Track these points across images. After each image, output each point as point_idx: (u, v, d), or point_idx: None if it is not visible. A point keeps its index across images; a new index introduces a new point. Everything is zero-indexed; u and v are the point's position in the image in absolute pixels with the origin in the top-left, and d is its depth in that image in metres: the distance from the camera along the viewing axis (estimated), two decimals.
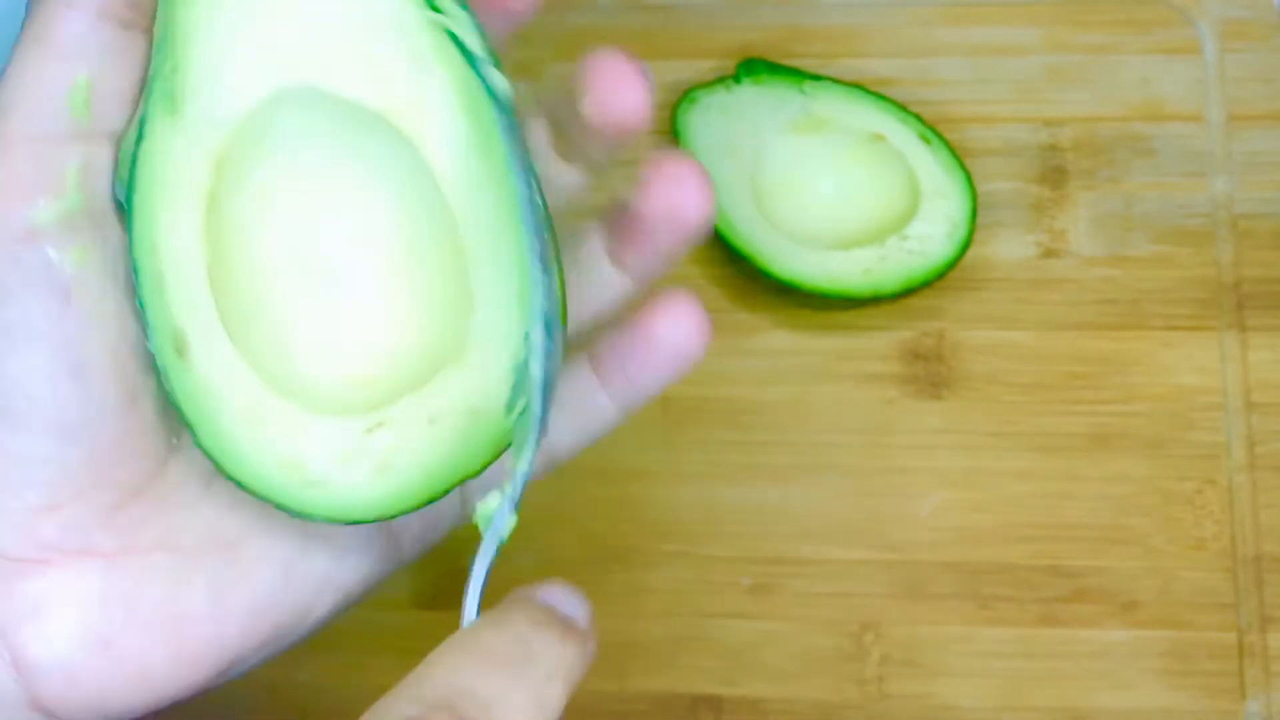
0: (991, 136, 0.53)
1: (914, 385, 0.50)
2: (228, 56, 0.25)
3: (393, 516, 0.26)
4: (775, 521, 0.49)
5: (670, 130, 0.52)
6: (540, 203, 0.27)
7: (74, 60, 0.24)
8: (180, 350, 0.25)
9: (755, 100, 0.50)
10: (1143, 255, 0.51)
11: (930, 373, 0.50)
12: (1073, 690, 0.47)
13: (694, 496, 0.50)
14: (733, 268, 0.51)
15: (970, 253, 0.49)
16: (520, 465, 0.26)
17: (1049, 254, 0.51)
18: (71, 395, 0.25)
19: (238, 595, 0.27)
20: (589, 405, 0.30)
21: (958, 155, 0.50)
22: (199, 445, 0.26)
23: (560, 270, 0.27)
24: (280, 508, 0.26)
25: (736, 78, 0.51)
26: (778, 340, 0.51)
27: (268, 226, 0.26)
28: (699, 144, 0.50)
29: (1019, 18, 0.54)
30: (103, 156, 0.25)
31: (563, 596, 0.27)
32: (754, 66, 0.51)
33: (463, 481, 0.27)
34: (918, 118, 0.50)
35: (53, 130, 0.24)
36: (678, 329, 0.28)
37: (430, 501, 0.26)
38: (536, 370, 0.25)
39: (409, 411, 0.26)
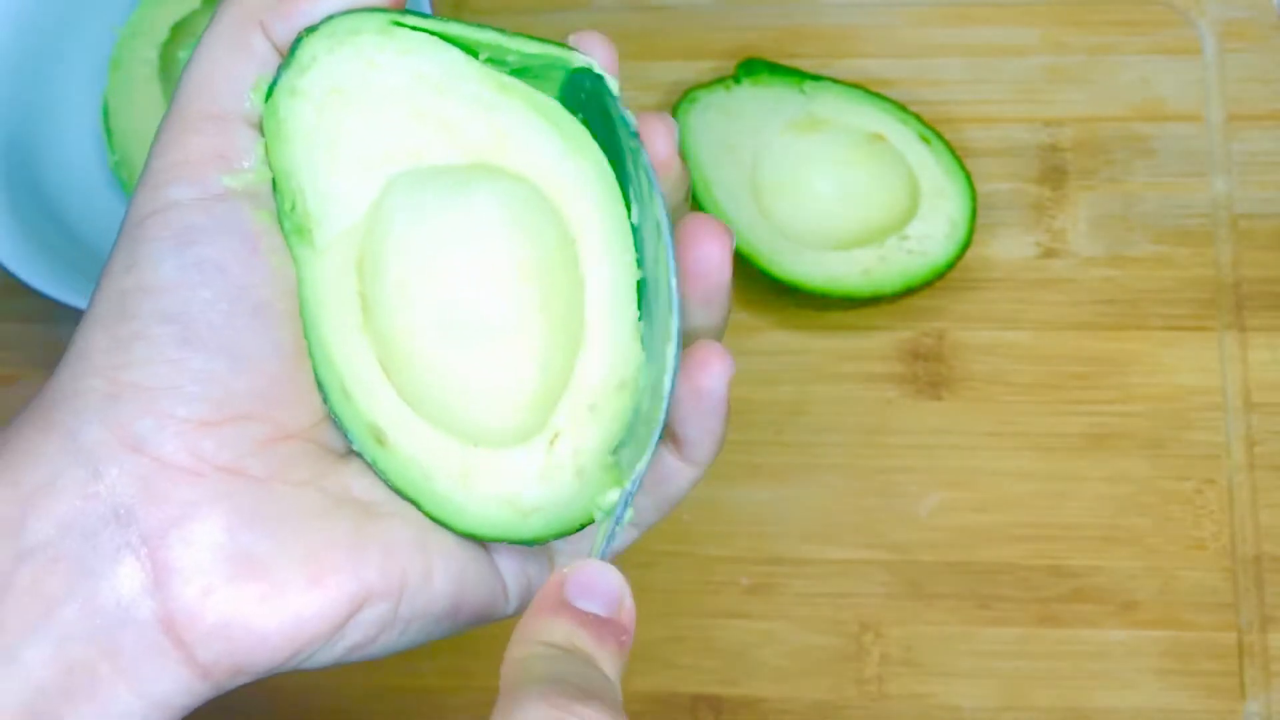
0: (991, 136, 0.53)
1: (914, 385, 0.50)
2: (332, 176, 0.29)
3: (611, 509, 0.29)
4: (775, 521, 0.49)
5: None
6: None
7: (257, 63, 0.29)
8: (380, 441, 0.29)
9: (755, 100, 0.50)
10: (1142, 255, 0.51)
11: (930, 373, 0.50)
12: (1072, 690, 0.47)
13: (694, 496, 0.50)
14: (733, 268, 0.51)
15: (970, 253, 0.49)
16: (640, 465, 0.28)
17: (1049, 254, 0.51)
18: (247, 329, 0.27)
19: (377, 539, 0.28)
20: (665, 470, 0.32)
21: (957, 155, 0.50)
22: (427, 515, 0.29)
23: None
24: (516, 542, 0.29)
25: (736, 78, 0.51)
26: (778, 340, 0.51)
27: (414, 304, 0.29)
28: (699, 144, 0.50)
29: (1019, 18, 0.54)
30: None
31: (595, 578, 0.28)
32: (754, 67, 0.51)
33: (650, 447, 0.28)
34: (918, 118, 0.50)
35: (244, 113, 0.29)
36: (702, 380, 0.30)
37: (634, 476, 0.28)
38: (668, 381, 0.28)
39: (570, 411, 0.29)
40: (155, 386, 0.27)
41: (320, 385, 0.29)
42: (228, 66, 0.29)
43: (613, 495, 0.28)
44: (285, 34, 0.29)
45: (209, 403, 0.27)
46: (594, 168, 0.29)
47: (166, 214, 0.28)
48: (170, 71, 0.51)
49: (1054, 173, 0.52)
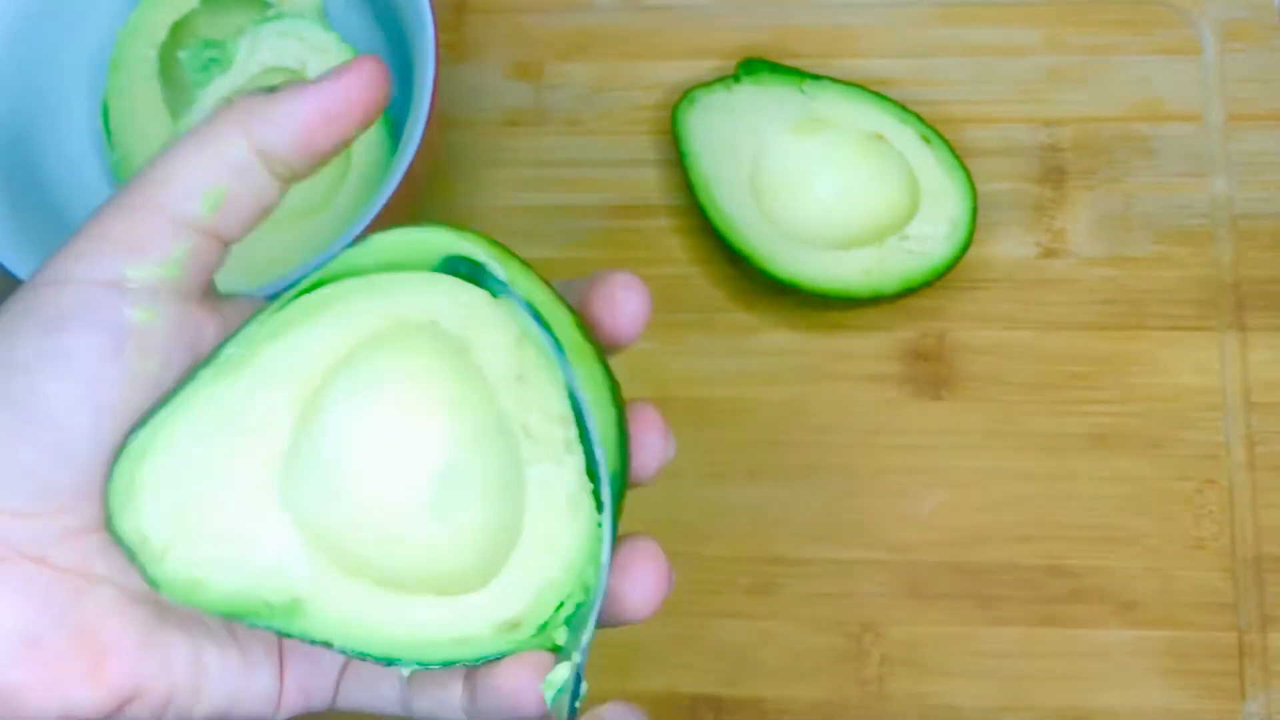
0: (991, 136, 0.53)
1: (914, 385, 0.50)
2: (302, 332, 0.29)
3: (564, 686, 0.29)
4: (775, 521, 0.49)
5: (671, 130, 0.52)
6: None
7: (223, 170, 0.28)
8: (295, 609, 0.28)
9: (755, 100, 0.50)
10: (1142, 255, 0.51)
11: (930, 373, 0.50)
12: (1072, 690, 0.47)
13: (693, 496, 0.50)
14: (733, 268, 0.51)
15: (970, 253, 0.49)
16: (585, 637, 0.29)
17: (1049, 254, 0.51)
18: (85, 428, 0.27)
19: (160, 646, 0.29)
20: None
21: (958, 155, 0.50)
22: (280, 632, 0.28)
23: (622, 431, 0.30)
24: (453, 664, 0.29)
25: (736, 77, 0.51)
26: (778, 340, 0.51)
27: (357, 464, 0.29)
28: (699, 144, 0.50)
29: (1019, 18, 0.54)
30: (208, 253, 0.29)
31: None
32: (754, 66, 0.51)
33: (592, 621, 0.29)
34: (918, 117, 0.50)
35: (180, 213, 0.28)
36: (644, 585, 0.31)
37: (581, 648, 0.29)
38: (605, 555, 0.29)
39: (513, 585, 0.29)
40: None
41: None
42: (193, 165, 0.28)
43: (562, 671, 0.29)
44: (266, 138, 0.29)
45: (25, 495, 0.27)
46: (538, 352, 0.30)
47: (54, 289, 0.28)
48: (170, 71, 0.51)
49: (1054, 173, 0.52)
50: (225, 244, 0.29)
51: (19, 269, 0.45)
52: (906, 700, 0.47)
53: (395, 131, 0.50)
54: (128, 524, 0.28)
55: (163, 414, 0.28)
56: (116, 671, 0.28)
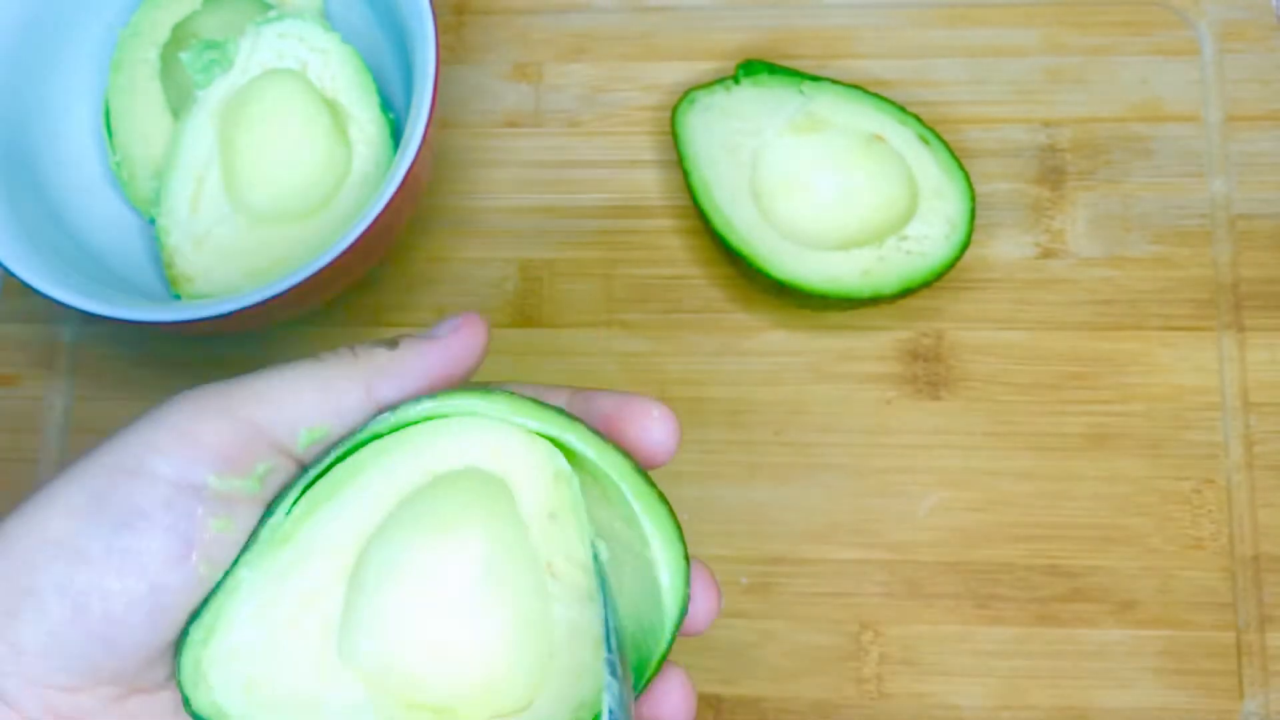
0: (990, 137, 0.53)
1: (913, 385, 0.50)
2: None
3: None
4: (774, 521, 0.49)
5: (670, 131, 0.53)
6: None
7: (332, 415, 0.30)
8: None
9: (754, 101, 0.50)
10: (1141, 255, 0.51)
11: (929, 373, 0.51)
12: (1071, 689, 0.47)
13: (693, 496, 0.50)
14: (733, 268, 0.51)
15: (969, 253, 0.50)
16: None
17: (1047, 254, 0.51)
18: (139, 626, 0.28)
19: None
20: None
21: (956, 156, 0.50)
22: None
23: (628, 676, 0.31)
24: None
25: (736, 79, 0.51)
26: (777, 340, 0.51)
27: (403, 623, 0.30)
28: (698, 145, 0.50)
29: (1018, 19, 0.54)
30: (287, 473, 0.30)
31: None
32: (753, 67, 0.51)
33: None
34: (917, 118, 0.50)
35: (278, 439, 0.29)
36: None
37: None
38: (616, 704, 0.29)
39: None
40: (31, 652, 0.28)
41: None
42: (306, 402, 0.30)
43: None
44: (385, 394, 0.30)
45: (74, 675, 0.28)
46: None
47: (132, 481, 0.28)
48: (171, 72, 0.52)
49: (1053, 173, 0.52)
50: (298, 472, 0.31)
51: (18, 268, 0.45)
52: (905, 699, 0.47)
53: (396, 132, 0.51)
54: (203, 701, 0.29)
55: (221, 596, 0.29)
56: None
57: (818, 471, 0.50)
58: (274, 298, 0.43)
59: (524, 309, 0.52)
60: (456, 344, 0.31)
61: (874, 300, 0.48)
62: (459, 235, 0.53)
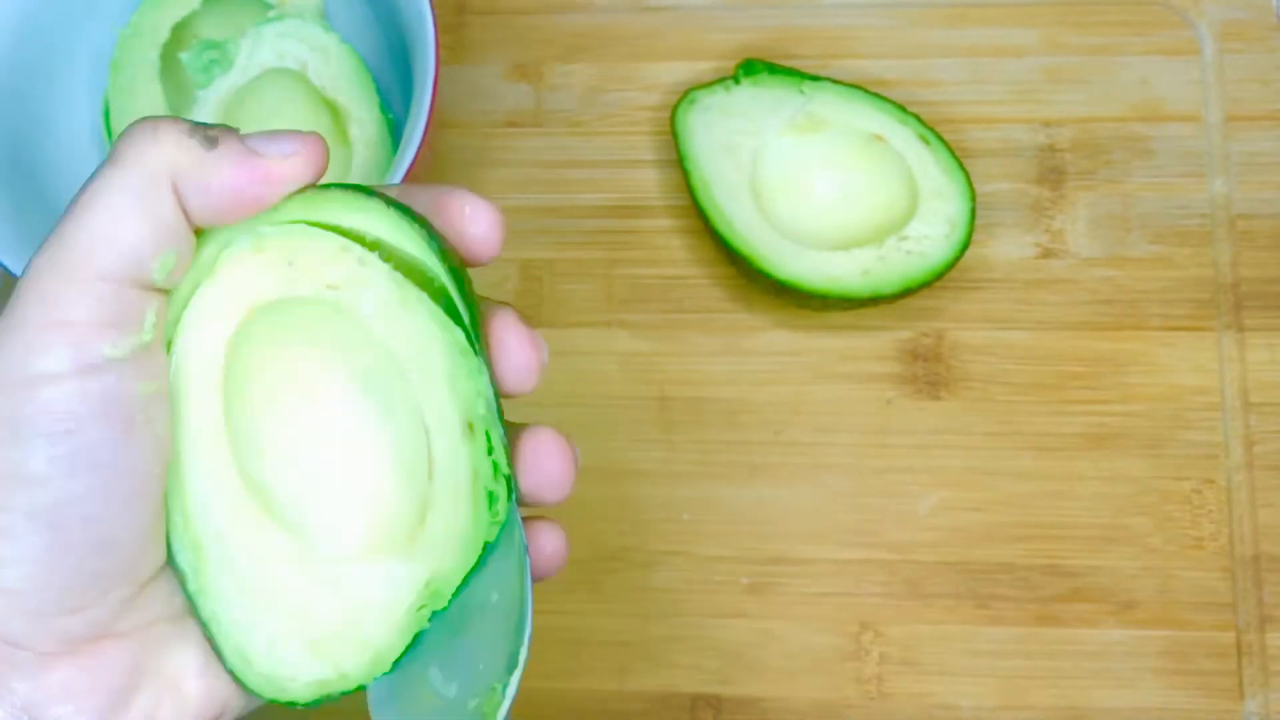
0: (990, 137, 0.53)
1: (913, 385, 0.50)
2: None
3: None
4: (774, 521, 0.49)
5: (670, 131, 0.53)
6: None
7: (169, 236, 0.27)
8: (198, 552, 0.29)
9: (754, 101, 0.50)
10: (1141, 255, 0.51)
11: (929, 373, 0.51)
12: (1071, 689, 0.47)
13: (693, 496, 0.50)
14: (733, 268, 0.51)
15: (969, 253, 0.50)
16: (511, 689, 0.29)
17: (1047, 254, 0.51)
18: (121, 518, 0.27)
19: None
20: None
21: (957, 156, 0.50)
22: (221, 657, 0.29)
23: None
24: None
25: (736, 78, 0.51)
26: (777, 340, 0.51)
27: (275, 421, 0.30)
28: (698, 144, 0.50)
29: (1018, 19, 0.54)
30: (164, 315, 0.28)
31: None
32: (753, 67, 0.51)
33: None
34: (917, 118, 0.50)
35: (140, 279, 0.27)
36: (542, 547, 0.32)
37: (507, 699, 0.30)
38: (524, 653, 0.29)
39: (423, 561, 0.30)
40: (23, 589, 0.27)
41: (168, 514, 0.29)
42: (128, 224, 0.26)
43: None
44: (199, 202, 0.27)
45: (77, 593, 0.27)
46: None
47: (42, 391, 0.26)
48: (172, 72, 0.52)
49: (1053, 173, 0.52)
50: (173, 301, 0.29)
51: (19, 268, 0.46)
52: (905, 699, 0.47)
53: (396, 132, 0.51)
54: (264, 685, 0.29)
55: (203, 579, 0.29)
56: (200, 689, 0.29)
57: (818, 471, 0.50)
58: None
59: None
60: (283, 170, 0.28)
61: (874, 300, 0.48)
62: None
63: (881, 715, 0.47)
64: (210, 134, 0.28)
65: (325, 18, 0.53)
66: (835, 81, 0.51)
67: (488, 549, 0.30)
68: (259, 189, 0.28)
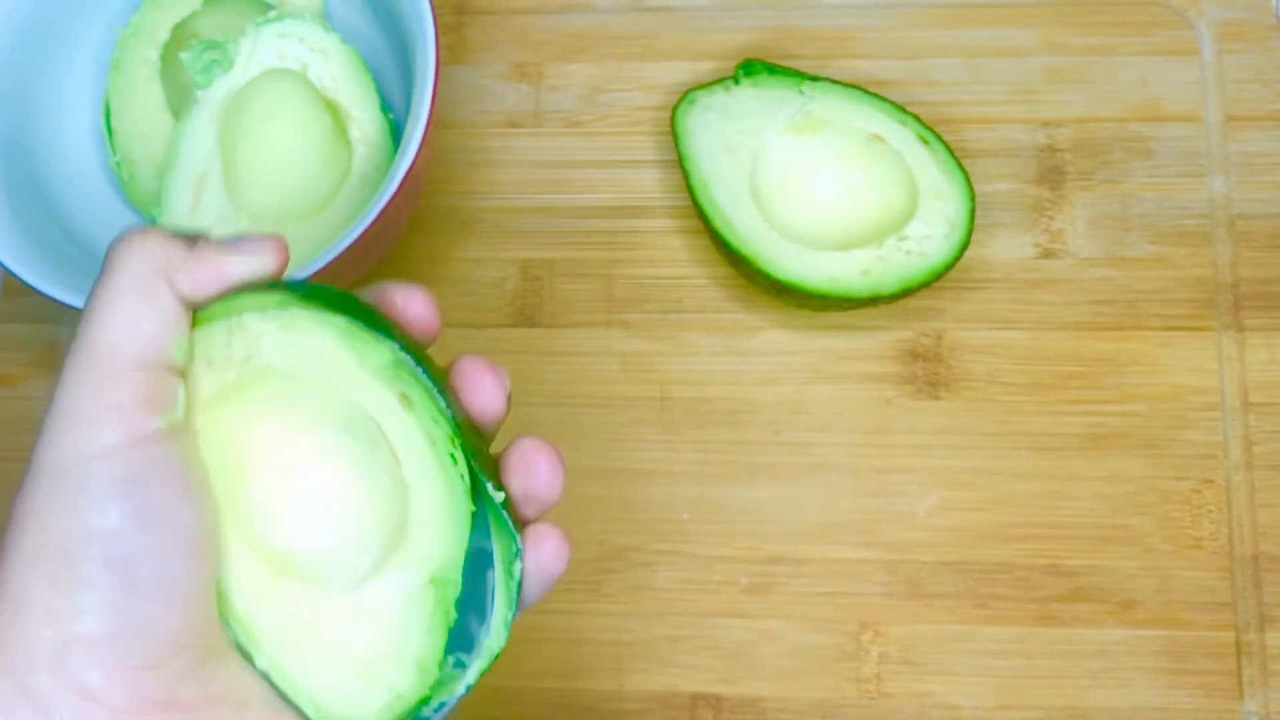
0: (990, 137, 0.53)
1: (912, 385, 0.50)
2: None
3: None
4: (774, 521, 0.49)
5: (670, 132, 0.53)
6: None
7: (178, 324, 0.31)
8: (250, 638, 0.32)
9: (754, 101, 0.50)
10: (1140, 255, 0.51)
11: (928, 373, 0.51)
12: (1070, 689, 0.47)
13: (693, 496, 0.50)
14: (733, 268, 0.51)
15: (968, 253, 0.50)
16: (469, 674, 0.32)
17: (1047, 254, 0.51)
18: (183, 570, 0.30)
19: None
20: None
21: (956, 156, 0.50)
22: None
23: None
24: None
25: (735, 79, 0.51)
26: (777, 340, 0.51)
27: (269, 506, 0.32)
28: (698, 145, 0.50)
29: (1017, 19, 0.54)
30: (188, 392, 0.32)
31: None
32: (753, 68, 0.51)
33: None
34: (916, 119, 0.50)
35: (167, 365, 0.31)
36: (541, 556, 0.34)
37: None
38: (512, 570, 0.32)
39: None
40: (102, 637, 0.29)
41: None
42: (144, 319, 0.30)
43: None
44: (190, 289, 0.31)
45: (150, 645, 0.29)
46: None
47: (106, 460, 0.29)
48: (172, 73, 0.52)
49: (1052, 173, 0.52)
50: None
51: (18, 268, 0.46)
52: (905, 699, 0.47)
53: (396, 132, 0.51)
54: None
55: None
56: None
57: (818, 471, 0.50)
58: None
59: (524, 309, 0.52)
60: (253, 263, 0.32)
61: (874, 300, 0.48)
62: (459, 235, 0.53)
63: (881, 715, 0.47)
64: (188, 236, 0.32)
65: (325, 18, 0.53)
66: (835, 82, 0.51)
67: (475, 521, 0.31)
68: (236, 277, 0.32)
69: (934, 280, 0.48)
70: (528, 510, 0.33)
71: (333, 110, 0.50)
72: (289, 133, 0.49)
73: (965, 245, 0.49)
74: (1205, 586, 0.48)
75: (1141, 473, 0.49)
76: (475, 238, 0.53)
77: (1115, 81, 0.53)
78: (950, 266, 0.48)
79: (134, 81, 0.52)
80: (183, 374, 0.31)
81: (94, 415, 0.30)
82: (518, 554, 0.32)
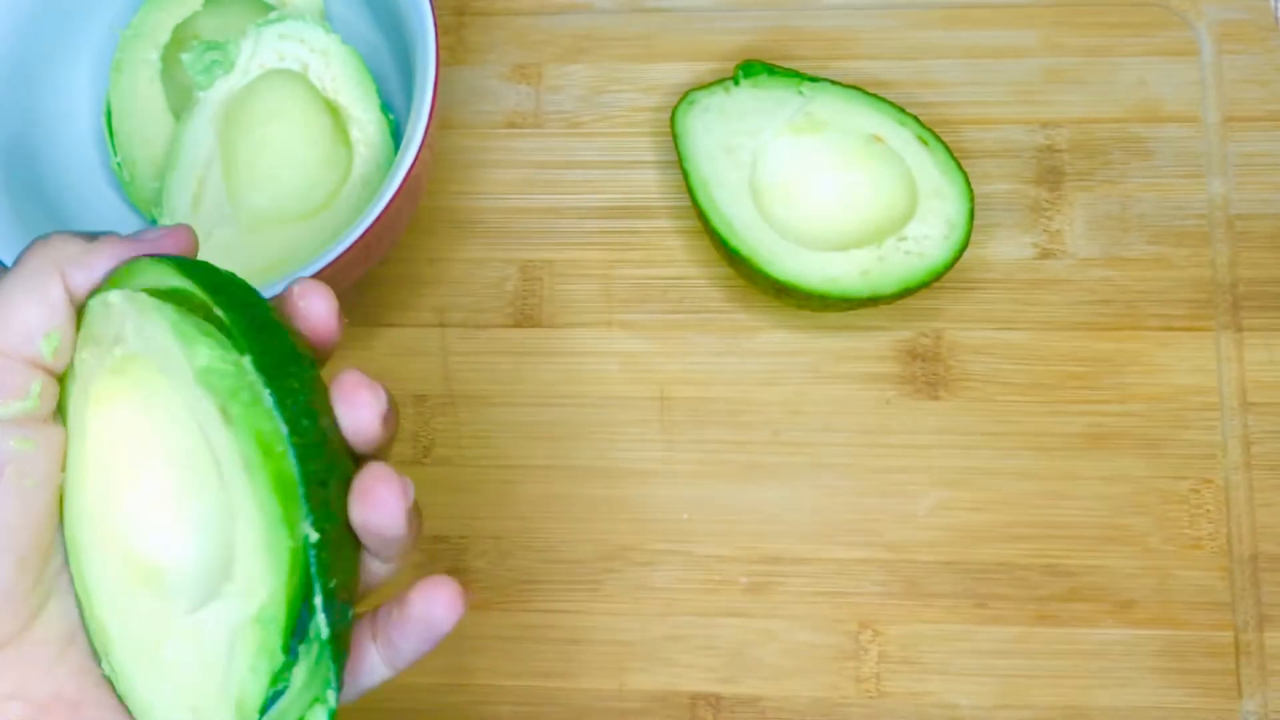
0: (989, 138, 0.53)
1: (912, 385, 0.51)
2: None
3: None
4: (774, 521, 0.49)
5: (670, 132, 0.53)
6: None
7: (55, 316, 0.31)
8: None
9: (754, 102, 0.50)
10: (1139, 256, 0.51)
11: (928, 373, 0.51)
12: (1069, 688, 0.47)
13: (693, 496, 0.50)
14: (733, 268, 0.51)
15: (968, 254, 0.50)
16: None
17: (1046, 255, 0.51)
18: None
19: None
20: (365, 665, 0.34)
21: (955, 157, 0.50)
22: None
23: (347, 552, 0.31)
24: None
25: (735, 79, 0.51)
26: (777, 340, 0.51)
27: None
28: (698, 145, 0.50)
29: (1016, 20, 0.54)
30: (53, 387, 0.31)
31: None
32: (752, 68, 0.51)
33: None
34: (916, 119, 0.50)
35: (30, 356, 0.31)
36: (432, 607, 0.32)
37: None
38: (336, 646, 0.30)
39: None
40: None
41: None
42: (24, 310, 0.31)
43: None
44: (84, 282, 0.31)
45: None
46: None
47: None
48: (173, 73, 0.52)
49: (1051, 174, 0.52)
50: (58, 378, 0.32)
51: None
52: (904, 698, 0.47)
53: (396, 133, 0.51)
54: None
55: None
56: None
57: (817, 471, 0.50)
58: (274, 298, 0.43)
59: (524, 309, 0.52)
60: (156, 245, 0.32)
61: (873, 300, 0.48)
62: (459, 235, 0.53)
63: (880, 714, 0.47)
64: (91, 234, 0.32)
65: (326, 19, 0.53)
66: (834, 82, 0.51)
67: (309, 555, 0.29)
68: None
69: (933, 281, 0.48)
70: (367, 540, 0.31)
71: (333, 111, 0.50)
72: (289, 133, 0.49)
73: (964, 246, 0.49)
74: (1204, 586, 0.48)
75: (1140, 473, 0.49)
76: (475, 238, 0.53)
77: (1114, 82, 0.53)
78: (949, 267, 0.48)
79: (135, 82, 0.52)
80: (51, 369, 0.31)
81: None
82: (330, 637, 0.30)
